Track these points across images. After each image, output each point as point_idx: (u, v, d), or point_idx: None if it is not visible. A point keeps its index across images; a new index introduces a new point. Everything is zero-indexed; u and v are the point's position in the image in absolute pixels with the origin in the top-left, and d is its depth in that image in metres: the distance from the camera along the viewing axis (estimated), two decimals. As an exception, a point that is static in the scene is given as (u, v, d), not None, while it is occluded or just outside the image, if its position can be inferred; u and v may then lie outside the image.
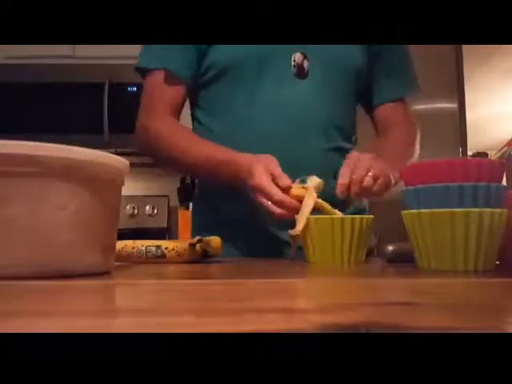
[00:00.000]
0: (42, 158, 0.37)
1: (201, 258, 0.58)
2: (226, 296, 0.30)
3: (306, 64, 0.78)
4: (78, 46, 1.95)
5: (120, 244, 0.55)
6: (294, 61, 0.78)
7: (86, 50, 1.96)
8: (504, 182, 0.51)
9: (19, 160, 0.36)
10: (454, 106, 1.88)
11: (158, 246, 0.56)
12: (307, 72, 0.78)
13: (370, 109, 0.92)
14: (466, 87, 1.97)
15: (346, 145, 0.83)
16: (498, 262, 0.49)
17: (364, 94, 0.89)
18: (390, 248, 0.56)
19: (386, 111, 0.89)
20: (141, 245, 0.56)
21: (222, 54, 0.78)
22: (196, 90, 0.83)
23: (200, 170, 0.74)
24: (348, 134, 0.85)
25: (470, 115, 2.03)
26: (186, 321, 0.22)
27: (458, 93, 1.91)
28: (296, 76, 0.78)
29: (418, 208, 0.48)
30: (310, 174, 0.63)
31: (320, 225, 0.56)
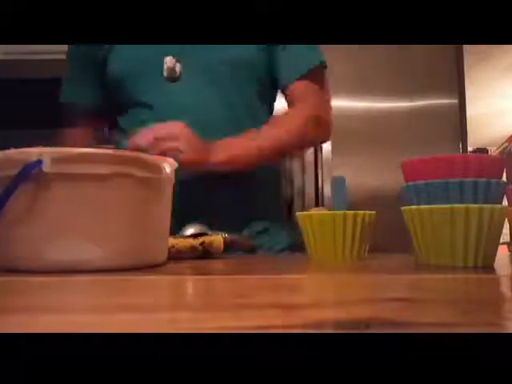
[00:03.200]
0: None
1: (201, 255, 0.58)
2: (226, 292, 0.30)
3: (178, 67, 0.81)
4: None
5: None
6: (166, 64, 0.81)
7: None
8: (504, 178, 0.50)
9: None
10: (455, 101, 1.87)
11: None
12: (180, 75, 0.81)
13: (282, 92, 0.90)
14: (466, 83, 1.96)
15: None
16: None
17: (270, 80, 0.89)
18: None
19: (291, 91, 0.87)
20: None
21: (117, 63, 0.83)
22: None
23: None
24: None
25: (470, 111, 2.03)
26: (185, 316, 0.22)
27: (458, 88, 1.90)
28: (167, 79, 0.81)
29: (418, 204, 0.48)
30: None
31: (322, 220, 0.56)
